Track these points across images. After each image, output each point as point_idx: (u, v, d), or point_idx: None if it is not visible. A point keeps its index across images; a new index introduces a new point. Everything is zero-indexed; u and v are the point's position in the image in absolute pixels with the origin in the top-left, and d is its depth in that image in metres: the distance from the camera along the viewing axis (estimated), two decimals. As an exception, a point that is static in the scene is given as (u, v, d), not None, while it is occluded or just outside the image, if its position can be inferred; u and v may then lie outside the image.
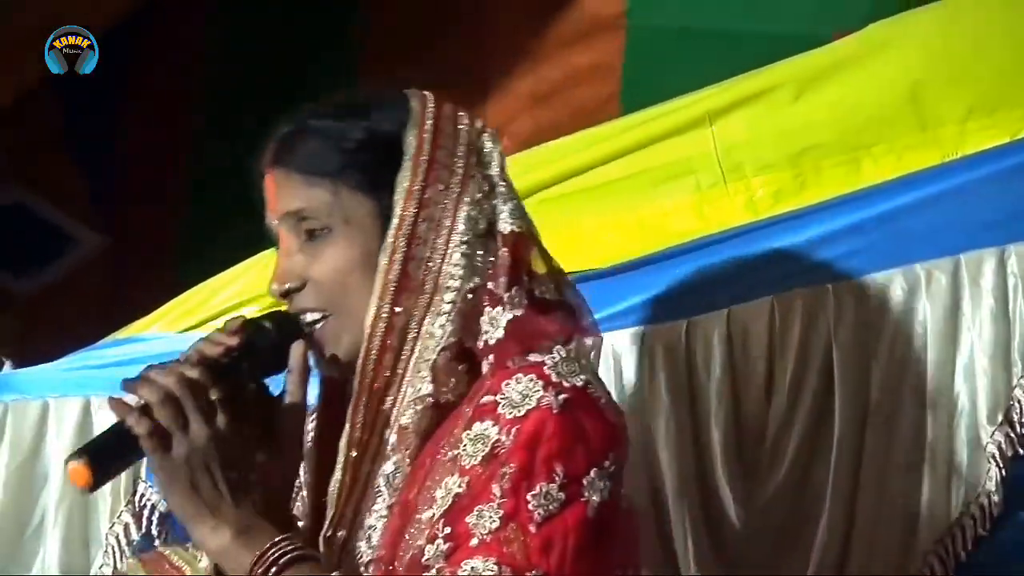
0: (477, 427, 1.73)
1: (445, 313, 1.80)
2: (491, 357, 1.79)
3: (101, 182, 3.85)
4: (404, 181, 1.82)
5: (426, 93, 1.90)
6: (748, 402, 2.32)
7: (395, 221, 1.81)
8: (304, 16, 3.43)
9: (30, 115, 3.54)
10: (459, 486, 1.71)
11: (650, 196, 2.51)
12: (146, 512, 2.60)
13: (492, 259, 1.82)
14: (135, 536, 2.61)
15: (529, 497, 1.69)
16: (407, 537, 1.75)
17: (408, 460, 1.79)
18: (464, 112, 1.90)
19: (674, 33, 3.06)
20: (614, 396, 2.29)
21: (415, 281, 1.80)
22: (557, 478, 1.70)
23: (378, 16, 3.40)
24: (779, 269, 2.35)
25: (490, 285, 1.81)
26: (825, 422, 2.30)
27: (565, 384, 1.74)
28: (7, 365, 2.78)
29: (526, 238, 1.87)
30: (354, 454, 1.81)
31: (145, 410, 1.72)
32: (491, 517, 1.68)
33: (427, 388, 1.79)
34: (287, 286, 1.84)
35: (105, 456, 1.73)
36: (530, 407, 1.72)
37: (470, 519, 1.69)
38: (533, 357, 1.77)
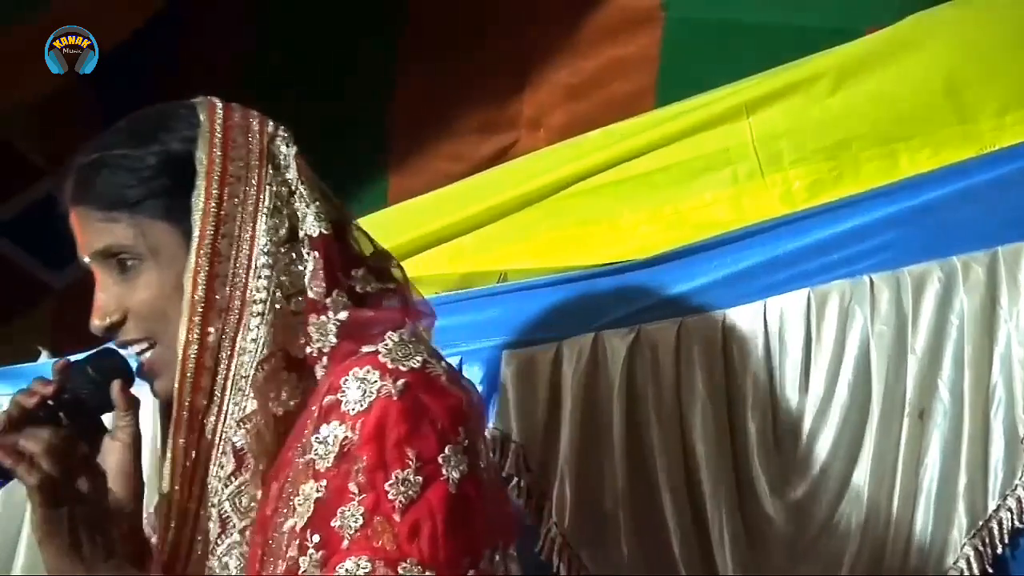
0: (324, 429, 1.72)
1: (256, 327, 1.78)
2: (325, 360, 1.78)
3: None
4: (199, 201, 1.79)
5: (215, 102, 1.86)
6: (784, 394, 2.33)
7: (194, 242, 1.78)
8: (344, 5, 3.42)
9: (66, 107, 3.55)
10: (317, 491, 1.70)
11: (687, 188, 2.52)
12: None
13: (302, 267, 1.80)
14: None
15: (387, 487, 1.68)
16: (270, 547, 1.73)
17: (256, 481, 1.77)
18: (256, 117, 1.87)
19: (711, 26, 3.05)
20: (651, 387, 2.35)
21: (223, 299, 1.78)
22: (411, 462, 1.69)
23: (417, 5, 3.40)
24: (816, 261, 2.35)
25: (310, 293, 1.79)
26: (861, 414, 2.30)
27: (402, 368, 1.73)
28: (43, 355, 2.79)
29: (338, 236, 1.84)
30: (177, 478, 1.79)
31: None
32: (354, 516, 1.68)
33: (251, 405, 1.77)
34: (108, 321, 1.82)
35: None
36: (371, 399, 1.71)
37: (335, 522, 1.68)
38: (366, 348, 1.75)
